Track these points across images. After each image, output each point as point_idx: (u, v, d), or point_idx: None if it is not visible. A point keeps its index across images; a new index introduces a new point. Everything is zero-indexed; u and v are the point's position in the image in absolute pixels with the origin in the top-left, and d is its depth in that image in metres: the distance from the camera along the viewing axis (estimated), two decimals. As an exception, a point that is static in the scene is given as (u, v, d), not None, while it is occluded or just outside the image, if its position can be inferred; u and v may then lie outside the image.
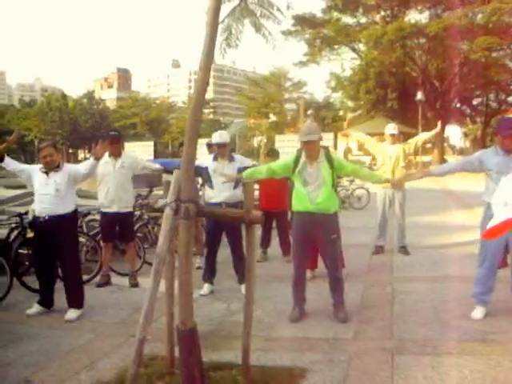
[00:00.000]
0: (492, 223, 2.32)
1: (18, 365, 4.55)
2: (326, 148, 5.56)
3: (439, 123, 10.18)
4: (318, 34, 45.40)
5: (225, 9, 4.25)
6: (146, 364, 4.17)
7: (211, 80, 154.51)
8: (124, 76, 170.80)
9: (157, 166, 7.77)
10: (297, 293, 5.63)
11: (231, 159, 6.78)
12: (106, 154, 6.93)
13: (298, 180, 5.47)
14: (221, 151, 6.76)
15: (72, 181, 6.01)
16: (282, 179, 6.75)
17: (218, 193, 6.59)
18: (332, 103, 63.25)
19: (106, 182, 7.17)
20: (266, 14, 4.35)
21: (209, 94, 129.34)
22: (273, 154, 9.20)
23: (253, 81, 69.77)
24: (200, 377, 3.58)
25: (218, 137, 6.80)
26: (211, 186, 6.74)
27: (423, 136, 9.47)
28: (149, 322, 3.38)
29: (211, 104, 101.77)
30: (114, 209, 7.21)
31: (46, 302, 6.05)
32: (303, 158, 5.42)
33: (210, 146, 10.47)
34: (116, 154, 7.14)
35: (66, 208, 5.91)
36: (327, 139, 40.04)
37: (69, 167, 6.18)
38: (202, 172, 6.74)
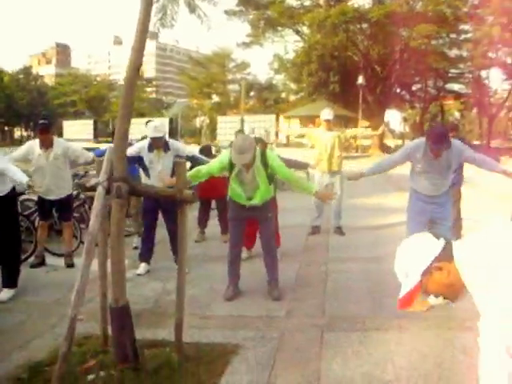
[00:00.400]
0: (401, 294, 2.40)
1: None
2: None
3: (382, 127, 10.36)
4: (262, 15, 45.38)
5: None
6: (80, 343, 4.17)
7: (153, 58, 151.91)
8: (63, 52, 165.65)
9: (90, 155, 7.22)
10: (232, 271, 5.73)
11: (166, 148, 6.66)
12: (38, 144, 6.75)
13: (235, 180, 5.49)
14: (156, 144, 6.62)
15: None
16: None
17: (155, 182, 6.50)
18: (275, 85, 63.48)
19: (41, 173, 6.93)
20: (201, -4, 4.35)
21: (151, 73, 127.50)
22: (206, 151, 9.01)
23: (196, 60, 69.07)
24: (133, 353, 3.63)
25: (154, 131, 6.58)
26: (148, 176, 6.71)
27: (362, 132, 9.62)
28: (81, 299, 3.38)
29: (153, 83, 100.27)
30: (51, 197, 7.10)
31: None
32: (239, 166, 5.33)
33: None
34: (47, 144, 6.80)
35: (3, 189, 5.77)
36: (269, 120, 40.32)
37: None
38: (138, 162, 6.69)
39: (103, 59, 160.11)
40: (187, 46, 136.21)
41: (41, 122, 6.83)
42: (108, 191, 3.54)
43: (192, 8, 4.05)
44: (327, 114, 8.91)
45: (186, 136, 61.37)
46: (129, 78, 3.48)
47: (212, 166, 5.53)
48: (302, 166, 6.97)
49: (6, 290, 5.77)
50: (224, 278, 5.80)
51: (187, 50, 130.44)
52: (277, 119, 41.39)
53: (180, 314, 3.89)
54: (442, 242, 2.36)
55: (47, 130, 6.74)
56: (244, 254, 6.93)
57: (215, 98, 65.78)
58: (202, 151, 8.82)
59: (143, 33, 3.32)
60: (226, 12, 46.21)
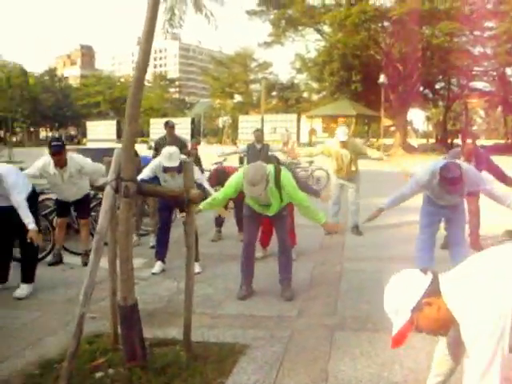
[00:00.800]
0: (393, 332, 2.40)
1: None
2: (276, 169, 5.42)
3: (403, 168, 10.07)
4: (283, 14, 45.23)
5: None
6: (91, 341, 4.23)
7: (177, 59, 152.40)
8: (88, 53, 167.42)
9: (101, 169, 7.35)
10: (245, 271, 5.74)
11: (180, 170, 6.55)
12: (52, 163, 6.81)
13: (248, 198, 5.55)
14: (171, 172, 6.63)
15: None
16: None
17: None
18: (296, 84, 63.25)
19: (58, 189, 7.19)
20: (208, -5, 4.37)
21: (174, 73, 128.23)
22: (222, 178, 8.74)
23: (218, 61, 69.21)
24: (141, 352, 3.66)
25: (168, 159, 6.51)
26: None
27: (369, 153, 9.46)
28: (89, 298, 3.42)
29: (177, 83, 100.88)
30: (69, 201, 7.38)
31: (1, 277, 6.07)
32: None
33: (167, 124, 10.49)
34: (61, 164, 6.85)
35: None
36: (290, 121, 40.23)
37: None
38: (154, 181, 6.75)
39: (127, 60, 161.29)
40: (210, 46, 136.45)
41: (54, 144, 6.79)
42: (116, 191, 3.58)
43: (198, 7, 4.06)
44: (342, 135, 8.79)
45: (208, 135, 61.69)
46: (137, 78, 3.51)
47: (227, 191, 5.55)
48: (312, 193, 6.86)
49: (22, 286, 5.89)
50: (239, 278, 5.81)
51: (210, 50, 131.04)
52: (298, 119, 41.32)
53: (188, 313, 3.91)
54: (429, 277, 2.39)
55: (60, 152, 6.75)
56: (259, 252, 6.96)
57: (237, 98, 65.87)
58: (217, 175, 8.48)
59: (150, 33, 3.34)
60: (248, 12, 46.26)
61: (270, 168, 5.36)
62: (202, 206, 5.44)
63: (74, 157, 7.04)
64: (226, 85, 64.65)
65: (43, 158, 6.93)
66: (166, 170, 6.63)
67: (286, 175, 5.44)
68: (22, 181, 5.86)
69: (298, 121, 41.14)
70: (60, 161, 6.78)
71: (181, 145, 10.24)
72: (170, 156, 6.54)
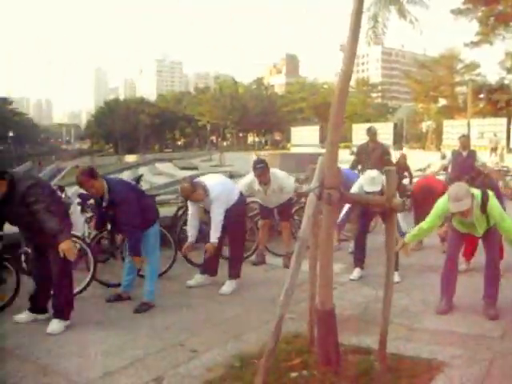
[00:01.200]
0: None
1: (174, 329, 5.03)
2: (483, 196, 5.14)
3: None
4: (492, 11, 42.18)
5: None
6: (289, 341, 4.36)
7: (379, 63, 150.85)
8: (292, 62, 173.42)
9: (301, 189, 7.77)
10: (446, 284, 5.49)
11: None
12: (256, 181, 7.35)
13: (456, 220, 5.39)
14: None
15: None
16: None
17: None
18: (507, 85, 58.55)
19: (262, 199, 7.75)
20: (412, 0, 4.25)
21: (377, 78, 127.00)
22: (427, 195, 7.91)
23: (421, 63, 66.80)
24: (335, 357, 3.69)
25: (370, 185, 6.62)
26: None
27: None
28: (289, 299, 3.54)
29: (379, 88, 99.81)
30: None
31: (210, 271, 6.66)
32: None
33: (369, 131, 10.42)
34: (265, 182, 7.36)
35: (233, 197, 6.50)
36: (500, 125, 37.40)
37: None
38: None
39: (330, 66, 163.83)
40: (413, 49, 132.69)
41: (258, 166, 7.29)
42: (319, 197, 3.66)
43: (402, 13, 3.97)
44: None
45: (411, 141, 60.03)
46: (341, 86, 3.56)
47: (434, 221, 5.38)
48: None
49: (228, 282, 6.35)
50: (437, 290, 5.58)
51: (413, 53, 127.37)
52: (509, 123, 38.32)
53: (385, 323, 3.85)
54: None
55: (265, 173, 7.28)
56: (462, 265, 6.61)
57: (442, 102, 62.97)
58: (422, 192, 8.08)
59: (354, 42, 3.38)
60: (453, 11, 44.03)
61: (477, 194, 5.11)
62: (406, 239, 5.36)
63: (277, 175, 7.51)
64: (430, 88, 62.14)
65: (248, 177, 7.58)
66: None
67: (494, 205, 5.14)
68: (225, 196, 6.36)
69: (509, 125, 38.16)
70: (264, 179, 7.31)
71: (382, 151, 10.12)
72: (373, 180, 6.58)
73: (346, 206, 7.06)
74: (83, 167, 5.95)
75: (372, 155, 9.94)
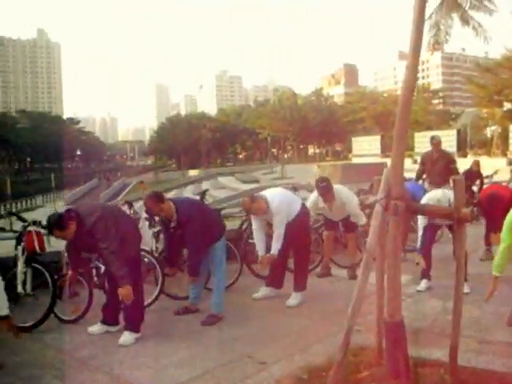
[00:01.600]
0: None
1: (242, 341, 5.10)
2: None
3: None
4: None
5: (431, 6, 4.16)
6: (356, 353, 4.33)
7: (440, 69, 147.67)
8: (351, 71, 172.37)
9: (363, 219, 7.52)
10: (520, 295, 5.31)
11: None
12: (320, 199, 7.40)
13: None
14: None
15: None
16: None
17: None
18: None
19: (326, 213, 7.78)
20: (475, 6, 4.17)
21: (437, 84, 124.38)
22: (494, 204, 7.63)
23: (484, 67, 64.87)
24: (405, 370, 3.64)
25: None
26: None
27: None
28: (356, 312, 3.54)
29: (440, 94, 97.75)
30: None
31: (276, 283, 6.67)
32: None
33: (433, 139, 10.21)
34: (329, 200, 7.39)
35: (293, 213, 6.47)
36: None
37: None
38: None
39: (389, 75, 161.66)
40: (475, 52, 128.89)
41: (321, 185, 7.33)
42: (386, 208, 3.64)
43: (465, 20, 3.90)
44: None
45: (475, 147, 58.47)
46: (404, 97, 3.55)
47: (509, 237, 4.99)
48: None
49: (294, 294, 6.38)
50: (510, 301, 5.40)
51: (475, 56, 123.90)
52: None
53: (455, 335, 3.77)
54: None
55: (328, 191, 7.30)
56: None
57: (507, 106, 60.92)
58: (488, 200, 7.78)
59: (416, 51, 3.36)
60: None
61: None
62: (495, 271, 4.99)
63: (340, 191, 7.50)
64: (494, 92, 60.24)
65: (313, 195, 7.67)
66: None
67: None
68: (286, 207, 6.40)
69: None
70: (328, 197, 7.35)
71: (448, 160, 9.91)
72: (438, 202, 6.45)
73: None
74: (150, 193, 6.16)
75: (437, 165, 9.75)
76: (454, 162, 10.05)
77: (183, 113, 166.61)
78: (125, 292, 4.99)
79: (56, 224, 5.05)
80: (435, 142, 10.05)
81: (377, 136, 57.91)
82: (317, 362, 4.31)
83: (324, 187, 7.27)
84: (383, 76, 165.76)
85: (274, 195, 6.48)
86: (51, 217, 5.15)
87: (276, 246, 6.27)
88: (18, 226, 7.32)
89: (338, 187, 7.53)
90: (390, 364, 3.70)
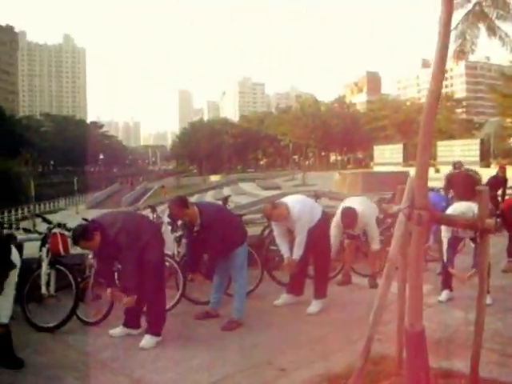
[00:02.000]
0: None
1: (262, 347, 5.12)
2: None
3: None
4: None
5: (457, 16, 4.15)
6: (376, 362, 4.32)
7: (463, 78, 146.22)
8: (373, 79, 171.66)
9: (376, 243, 7.58)
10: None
11: None
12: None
13: None
14: None
15: None
16: None
17: None
18: None
19: None
20: (502, 16, 4.15)
21: (461, 93, 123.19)
22: None
23: (508, 76, 63.99)
24: (425, 381, 3.61)
25: None
26: None
27: None
28: (377, 321, 3.54)
29: (463, 103, 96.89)
30: None
31: (296, 290, 6.68)
32: None
33: (455, 165, 10.20)
34: (352, 228, 7.40)
35: (314, 219, 6.49)
36: None
37: None
38: None
39: (412, 83, 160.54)
40: (499, 61, 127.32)
41: (347, 220, 7.23)
42: (409, 218, 3.64)
43: (492, 30, 3.89)
44: None
45: (498, 157, 57.74)
46: (429, 106, 3.54)
47: None
48: None
49: (314, 302, 6.39)
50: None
51: (499, 65, 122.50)
52: None
53: (477, 347, 3.74)
54: None
55: (353, 223, 7.24)
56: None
57: (536, 115, 60.04)
58: None
59: (442, 61, 3.35)
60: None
61: None
62: None
63: (364, 214, 7.40)
64: (518, 101, 59.47)
65: (335, 221, 7.42)
66: None
67: None
68: (307, 214, 6.40)
69: None
70: (351, 226, 7.33)
71: (473, 181, 9.80)
72: (463, 215, 6.38)
73: (434, 227, 6.90)
74: (175, 198, 6.24)
75: (462, 184, 9.68)
76: (479, 182, 9.96)
77: (206, 118, 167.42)
78: (129, 301, 5.24)
79: (82, 235, 5.19)
80: (457, 167, 10.11)
81: (399, 144, 57.53)
82: (337, 370, 4.30)
83: (349, 220, 7.20)
84: (406, 84, 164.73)
85: (295, 202, 6.49)
86: (77, 228, 5.29)
87: (298, 253, 6.30)
88: (41, 227, 7.46)
89: (361, 212, 7.32)
90: (410, 374, 3.68)
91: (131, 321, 5.60)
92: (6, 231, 6.16)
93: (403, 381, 3.80)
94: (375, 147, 61.99)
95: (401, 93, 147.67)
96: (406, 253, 3.91)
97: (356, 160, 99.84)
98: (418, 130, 3.52)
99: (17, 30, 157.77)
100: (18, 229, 6.91)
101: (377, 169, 50.99)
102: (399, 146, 55.95)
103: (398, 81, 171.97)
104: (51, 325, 5.71)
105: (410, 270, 3.70)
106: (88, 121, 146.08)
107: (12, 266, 4.50)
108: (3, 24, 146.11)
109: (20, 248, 5.59)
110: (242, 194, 33.84)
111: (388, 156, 54.87)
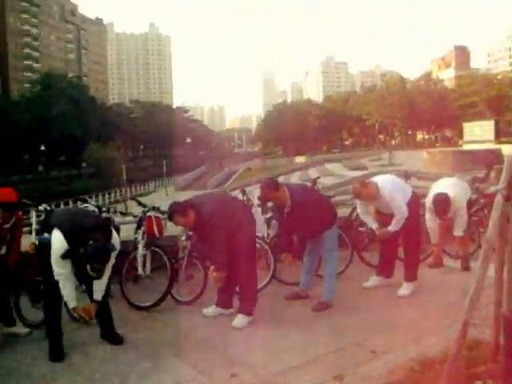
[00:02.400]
0: None
1: (353, 329, 5.13)
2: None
3: None
4: None
5: None
6: (471, 347, 4.20)
7: None
8: (462, 54, 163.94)
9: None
10: None
11: None
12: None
13: None
14: None
15: None
16: None
17: None
18: None
19: None
20: None
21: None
22: None
23: None
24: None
25: None
26: None
27: None
28: (474, 305, 3.45)
29: None
30: None
31: (386, 272, 6.63)
32: None
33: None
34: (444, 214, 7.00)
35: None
36: None
37: None
38: None
39: (503, 56, 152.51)
40: None
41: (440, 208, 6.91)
42: (507, 199, 3.51)
43: None
44: None
45: None
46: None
47: None
48: None
49: (405, 285, 6.32)
50: None
51: None
52: None
53: None
54: None
55: (445, 214, 6.86)
56: None
57: None
58: None
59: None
60: None
61: None
62: None
63: (455, 202, 6.96)
64: None
65: (428, 212, 7.09)
66: None
67: None
68: (398, 192, 6.29)
69: None
70: (443, 217, 6.97)
71: None
72: None
73: None
74: (266, 181, 6.31)
75: None
76: None
77: (289, 100, 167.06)
78: (218, 276, 5.39)
79: (177, 211, 5.38)
80: None
81: (490, 121, 54.99)
82: (430, 354, 4.24)
83: (442, 211, 6.79)
84: (497, 57, 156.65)
85: (385, 182, 6.39)
86: (172, 204, 5.48)
87: (395, 227, 6.21)
88: (133, 210, 7.75)
89: (454, 197, 6.81)
90: (507, 361, 3.57)
91: (224, 301, 5.75)
92: (104, 214, 6.45)
93: (500, 368, 3.70)
94: (464, 124, 59.44)
95: (492, 66, 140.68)
96: (504, 235, 3.78)
97: (444, 138, 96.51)
98: (510, 106, 3.38)
99: (105, 22, 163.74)
100: (115, 212, 7.20)
101: (466, 147, 49.07)
102: (490, 123, 53.38)
103: (489, 54, 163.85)
104: (148, 304, 5.97)
105: (508, 252, 3.58)
106: (174, 106, 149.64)
107: (113, 248, 4.73)
108: (92, 17, 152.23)
109: (117, 231, 5.85)
110: (329, 175, 33.50)
111: (478, 133, 52.51)
